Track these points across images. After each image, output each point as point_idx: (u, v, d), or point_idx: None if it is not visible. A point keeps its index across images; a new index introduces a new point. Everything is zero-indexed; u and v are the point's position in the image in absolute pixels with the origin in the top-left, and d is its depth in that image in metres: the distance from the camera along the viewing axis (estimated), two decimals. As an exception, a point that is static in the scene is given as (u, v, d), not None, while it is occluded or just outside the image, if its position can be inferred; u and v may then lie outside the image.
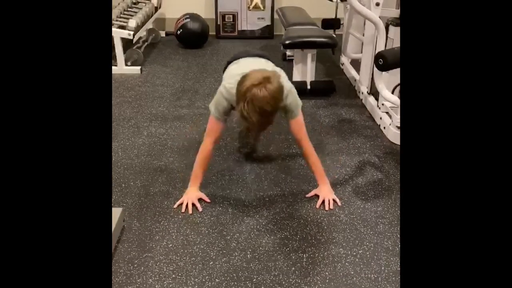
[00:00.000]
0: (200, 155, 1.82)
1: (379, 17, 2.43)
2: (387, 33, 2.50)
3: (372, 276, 1.50)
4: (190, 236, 1.68)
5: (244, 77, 1.57)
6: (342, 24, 3.53)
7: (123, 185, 1.98)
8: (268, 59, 1.97)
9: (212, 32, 4.26)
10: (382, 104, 2.56)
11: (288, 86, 1.72)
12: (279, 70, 1.78)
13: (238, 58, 1.96)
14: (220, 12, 4.33)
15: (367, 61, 2.82)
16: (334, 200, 1.87)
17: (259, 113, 1.52)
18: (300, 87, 2.94)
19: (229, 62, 2.00)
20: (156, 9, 4.07)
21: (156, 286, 1.46)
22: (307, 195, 1.92)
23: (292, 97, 1.74)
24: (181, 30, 3.93)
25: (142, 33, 3.86)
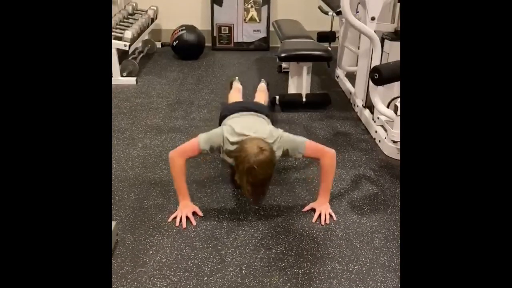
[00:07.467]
0: (177, 172, 1.82)
1: (375, 31, 2.45)
2: (382, 47, 2.51)
3: (368, 292, 1.49)
4: (184, 251, 1.66)
5: (241, 147, 1.68)
6: (338, 37, 3.55)
7: (117, 197, 1.96)
8: (266, 114, 2.05)
9: (208, 43, 4.27)
10: (378, 118, 2.56)
11: (281, 138, 1.78)
12: (272, 130, 1.83)
13: (238, 111, 2.01)
14: (216, 24, 4.35)
15: (362, 74, 2.84)
16: (330, 215, 1.86)
17: (251, 184, 1.64)
18: (296, 100, 2.96)
19: (224, 114, 2.04)
20: (152, 20, 4.08)
21: (149, 302, 1.43)
22: (303, 209, 1.91)
23: (289, 143, 1.79)
24: (177, 41, 3.94)
25: (138, 44, 3.87)
